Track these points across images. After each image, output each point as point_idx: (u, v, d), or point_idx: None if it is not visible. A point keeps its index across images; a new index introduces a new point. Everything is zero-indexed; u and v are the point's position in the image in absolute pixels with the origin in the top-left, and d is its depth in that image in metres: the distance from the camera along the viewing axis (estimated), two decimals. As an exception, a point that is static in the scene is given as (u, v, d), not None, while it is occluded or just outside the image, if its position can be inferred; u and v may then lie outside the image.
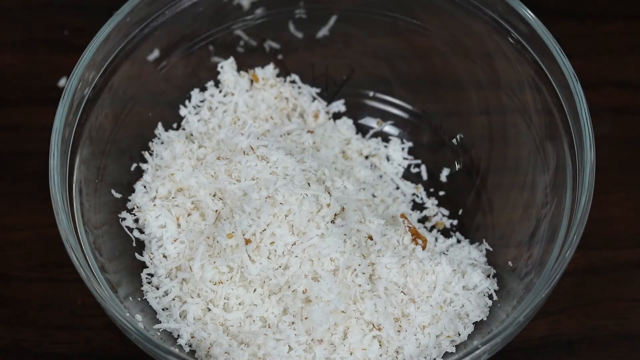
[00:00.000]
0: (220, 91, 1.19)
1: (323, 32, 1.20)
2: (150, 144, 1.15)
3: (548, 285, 0.98)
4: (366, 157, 1.20)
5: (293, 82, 1.20)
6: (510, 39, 1.10)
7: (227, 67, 1.18)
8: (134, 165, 1.14)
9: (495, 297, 1.08)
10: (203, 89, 1.19)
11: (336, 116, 1.21)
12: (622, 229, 1.18)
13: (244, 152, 1.08)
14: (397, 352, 1.03)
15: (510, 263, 1.09)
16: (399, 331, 1.04)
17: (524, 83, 1.10)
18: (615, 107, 1.25)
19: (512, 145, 1.14)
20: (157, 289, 1.08)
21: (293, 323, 1.03)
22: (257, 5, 1.18)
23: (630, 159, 1.22)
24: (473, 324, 1.06)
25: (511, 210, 1.13)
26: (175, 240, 1.09)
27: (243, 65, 1.19)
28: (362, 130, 1.21)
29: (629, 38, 1.29)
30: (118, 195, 1.11)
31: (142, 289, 1.08)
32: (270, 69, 1.19)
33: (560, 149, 1.06)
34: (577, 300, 1.14)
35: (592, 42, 1.29)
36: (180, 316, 1.06)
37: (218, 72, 1.19)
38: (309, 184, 1.06)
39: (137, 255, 1.09)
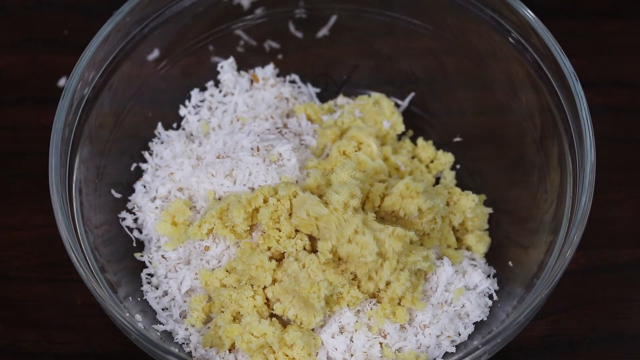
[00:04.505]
0: (220, 91, 1.19)
1: (323, 32, 1.20)
2: (150, 143, 1.15)
3: (548, 285, 0.98)
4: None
5: (293, 82, 1.20)
6: (510, 39, 1.10)
7: (227, 67, 1.18)
8: (134, 165, 1.14)
9: (495, 297, 1.08)
10: (203, 89, 1.19)
11: (336, 116, 1.21)
12: (622, 229, 1.18)
13: (252, 151, 1.08)
14: (398, 352, 1.03)
15: (510, 263, 1.09)
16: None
17: (524, 83, 1.10)
18: (615, 107, 1.25)
19: (512, 145, 1.14)
20: (157, 288, 1.08)
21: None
22: (257, 5, 1.18)
23: (630, 159, 1.22)
24: (473, 324, 1.06)
25: (511, 210, 1.13)
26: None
27: (243, 65, 1.19)
28: (362, 130, 1.21)
29: (629, 38, 1.29)
30: (118, 195, 1.11)
31: (142, 289, 1.08)
32: (270, 69, 1.19)
33: (561, 149, 1.06)
34: (577, 300, 1.14)
35: (592, 42, 1.29)
36: (180, 316, 1.06)
37: (218, 72, 1.19)
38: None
39: (136, 255, 1.10)
